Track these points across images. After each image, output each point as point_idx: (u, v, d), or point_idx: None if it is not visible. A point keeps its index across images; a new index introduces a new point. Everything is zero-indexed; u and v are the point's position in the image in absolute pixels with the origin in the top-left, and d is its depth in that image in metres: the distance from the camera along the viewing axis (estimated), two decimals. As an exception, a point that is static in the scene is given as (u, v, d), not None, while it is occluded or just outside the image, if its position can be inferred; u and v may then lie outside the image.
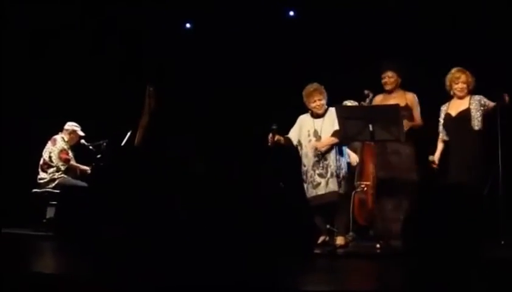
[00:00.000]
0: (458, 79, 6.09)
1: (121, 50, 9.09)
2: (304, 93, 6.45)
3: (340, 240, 6.25)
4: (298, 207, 6.18)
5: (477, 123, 5.95)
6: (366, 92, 6.50)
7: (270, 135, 6.34)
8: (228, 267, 4.67)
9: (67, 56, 8.97)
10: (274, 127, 6.35)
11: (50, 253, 5.76)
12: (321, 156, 6.30)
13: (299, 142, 6.51)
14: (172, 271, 4.18)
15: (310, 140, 6.39)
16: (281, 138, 6.45)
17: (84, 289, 3.51)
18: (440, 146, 6.24)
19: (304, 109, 6.58)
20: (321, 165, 6.30)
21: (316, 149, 6.30)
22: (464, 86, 6.07)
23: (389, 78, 6.24)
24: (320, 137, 6.35)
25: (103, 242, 6.24)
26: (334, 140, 6.30)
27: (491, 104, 5.94)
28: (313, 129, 6.41)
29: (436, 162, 6.17)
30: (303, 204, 6.32)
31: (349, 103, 6.82)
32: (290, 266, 4.65)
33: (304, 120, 6.54)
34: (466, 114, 5.99)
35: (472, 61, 6.43)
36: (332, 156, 6.31)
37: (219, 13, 8.93)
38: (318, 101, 6.38)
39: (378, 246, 5.90)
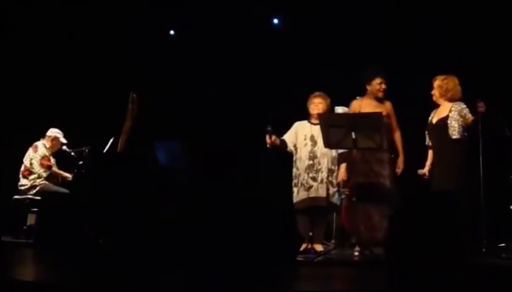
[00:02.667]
0: (432, 86, 6.15)
1: (104, 56, 9.05)
2: (311, 95, 6.58)
3: (318, 247, 6.34)
4: (282, 214, 6.17)
5: (454, 132, 5.93)
6: (358, 98, 6.53)
7: (267, 136, 6.35)
8: (209, 275, 4.66)
9: (48, 62, 8.92)
10: (269, 129, 6.34)
11: (30, 260, 5.70)
12: (316, 160, 6.40)
13: (295, 146, 6.57)
14: (153, 278, 4.15)
15: (306, 144, 6.47)
16: (277, 139, 6.48)
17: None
18: (430, 154, 6.24)
19: (294, 116, 6.68)
20: (314, 168, 6.40)
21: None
22: (434, 91, 6.12)
23: (385, 85, 6.27)
24: (316, 142, 6.42)
25: (84, 249, 6.20)
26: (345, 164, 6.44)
27: (470, 118, 5.91)
28: (310, 134, 6.49)
29: (427, 173, 6.17)
30: (287, 211, 6.33)
31: (340, 109, 6.84)
32: (270, 274, 4.64)
33: (301, 125, 6.63)
34: (443, 123, 6.00)
35: (461, 67, 6.50)
36: (325, 162, 6.39)
37: (203, 19, 8.94)
38: (319, 104, 6.48)
39: (356, 253, 5.89)
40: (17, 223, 7.58)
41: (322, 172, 6.37)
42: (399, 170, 6.24)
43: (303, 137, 6.54)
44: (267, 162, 7.95)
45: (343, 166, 6.44)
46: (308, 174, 6.40)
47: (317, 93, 6.57)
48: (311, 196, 6.36)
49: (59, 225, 6.52)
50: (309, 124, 6.58)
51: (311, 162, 6.42)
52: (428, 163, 6.22)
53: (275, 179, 7.50)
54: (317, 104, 6.49)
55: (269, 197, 6.70)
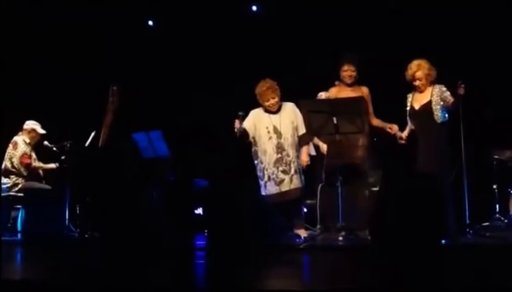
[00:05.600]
0: (415, 77, 6.09)
1: (84, 49, 8.97)
2: (257, 91, 6.34)
3: (302, 232, 6.35)
4: (261, 202, 6.19)
5: (439, 116, 5.97)
6: (337, 83, 6.55)
7: (237, 121, 6.22)
8: (193, 263, 4.67)
9: (29, 57, 8.83)
10: (241, 113, 6.25)
11: (16, 258, 5.67)
12: (284, 152, 6.31)
13: (254, 138, 6.44)
14: (141, 270, 4.16)
15: (270, 137, 6.33)
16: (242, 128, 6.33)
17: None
18: (409, 128, 6.25)
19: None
20: (284, 161, 6.29)
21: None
22: (422, 82, 6.07)
23: (352, 71, 6.32)
24: (280, 133, 6.32)
25: (70, 244, 6.18)
26: (308, 146, 6.46)
27: (451, 100, 5.94)
28: (272, 126, 6.34)
29: (404, 137, 6.17)
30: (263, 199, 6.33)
31: (324, 94, 6.83)
32: (253, 261, 4.66)
33: (258, 116, 6.43)
34: (427, 108, 6.01)
35: (434, 49, 6.54)
36: (295, 152, 6.35)
37: (182, 9, 8.89)
38: (272, 100, 6.31)
39: (341, 238, 5.90)
40: (1, 221, 7.51)
41: (294, 163, 6.30)
42: (393, 130, 6.21)
43: (264, 130, 6.37)
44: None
45: (305, 148, 6.43)
46: (278, 168, 6.29)
47: (264, 87, 6.31)
48: (282, 190, 6.27)
49: (44, 221, 6.51)
50: (266, 114, 6.40)
51: (279, 155, 6.30)
52: (406, 132, 6.21)
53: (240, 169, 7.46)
54: (271, 101, 6.30)
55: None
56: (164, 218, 6.06)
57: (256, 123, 6.41)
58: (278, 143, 6.32)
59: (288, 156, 6.30)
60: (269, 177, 6.33)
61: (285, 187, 6.27)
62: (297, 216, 6.46)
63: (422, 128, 6.11)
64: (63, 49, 8.92)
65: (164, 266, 4.57)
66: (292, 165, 6.29)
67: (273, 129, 6.34)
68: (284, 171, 6.29)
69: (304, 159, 6.42)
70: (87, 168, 6.90)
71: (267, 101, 6.32)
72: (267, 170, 6.34)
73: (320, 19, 8.41)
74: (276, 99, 6.33)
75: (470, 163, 5.93)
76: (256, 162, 6.49)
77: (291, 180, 6.28)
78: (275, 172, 6.30)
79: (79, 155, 7.27)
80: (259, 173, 6.43)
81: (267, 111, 6.40)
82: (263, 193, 6.37)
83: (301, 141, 6.40)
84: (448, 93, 5.98)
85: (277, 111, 6.38)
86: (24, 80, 8.83)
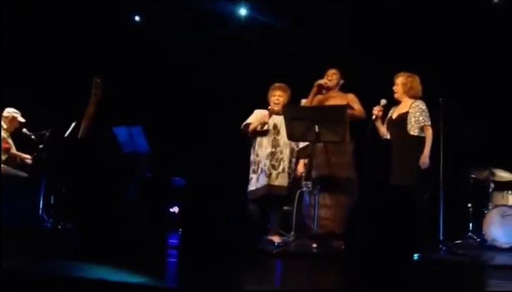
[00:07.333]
0: (394, 81, 6.16)
1: (68, 38, 8.91)
2: (271, 87, 6.57)
3: (275, 238, 6.39)
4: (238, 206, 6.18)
5: (413, 129, 5.93)
6: (324, 91, 6.60)
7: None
8: (165, 265, 4.65)
9: (11, 43, 8.74)
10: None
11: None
12: (278, 148, 6.42)
13: (254, 133, 6.54)
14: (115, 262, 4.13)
15: (269, 132, 6.47)
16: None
17: (29, 283, 3.44)
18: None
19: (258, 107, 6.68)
20: (275, 157, 6.41)
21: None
22: (397, 87, 6.11)
23: (332, 74, 6.42)
24: (279, 131, 6.43)
25: (43, 234, 6.13)
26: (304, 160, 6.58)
27: (426, 125, 5.88)
28: (272, 123, 6.48)
29: (381, 108, 6.09)
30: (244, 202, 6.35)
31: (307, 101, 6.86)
32: (225, 263, 4.65)
33: (261, 113, 6.58)
34: (403, 118, 5.99)
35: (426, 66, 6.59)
36: (288, 152, 6.44)
37: (168, 4, 8.87)
38: (278, 97, 6.48)
39: (315, 245, 5.90)
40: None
41: (284, 161, 6.41)
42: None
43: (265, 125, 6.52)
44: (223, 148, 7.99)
45: (301, 162, 6.58)
46: (269, 161, 6.40)
47: (277, 84, 6.57)
48: (270, 183, 6.37)
49: (17, 209, 6.44)
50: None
51: (273, 149, 6.43)
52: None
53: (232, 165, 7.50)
54: (277, 98, 6.49)
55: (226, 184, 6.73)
56: (139, 214, 6.04)
57: (259, 118, 6.53)
58: (275, 138, 6.46)
59: (281, 153, 6.43)
60: (261, 170, 6.42)
61: (272, 181, 6.39)
62: (272, 222, 6.50)
63: (396, 138, 6.08)
64: (48, 37, 8.84)
65: (136, 261, 4.54)
66: (281, 163, 6.41)
67: (273, 126, 6.49)
68: (273, 166, 6.41)
69: (300, 169, 6.60)
70: (64, 159, 6.84)
71: (273, 96, 6.51)
72: (260, 162, 6.45)
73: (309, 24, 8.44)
74: (282, 98, 6.49)
75: (447, 181, 5.95)
76: (252, 157, 6.56)
77: (277, 176, 6.39)
78: (267, 164, 6.41)
79: (57, 145, 7.20)
80: (253, 166, 6.51)
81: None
82: (253, 187, 6.43)
83: (301, 154, 6.56)
84: (426, 114, 5.94)
85: (281, 113, 6.41)
86: (4, 66, 8.73)
